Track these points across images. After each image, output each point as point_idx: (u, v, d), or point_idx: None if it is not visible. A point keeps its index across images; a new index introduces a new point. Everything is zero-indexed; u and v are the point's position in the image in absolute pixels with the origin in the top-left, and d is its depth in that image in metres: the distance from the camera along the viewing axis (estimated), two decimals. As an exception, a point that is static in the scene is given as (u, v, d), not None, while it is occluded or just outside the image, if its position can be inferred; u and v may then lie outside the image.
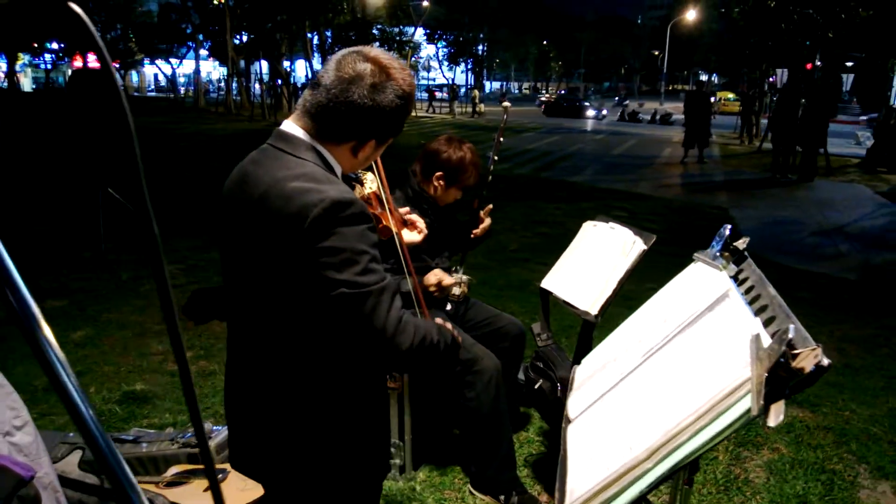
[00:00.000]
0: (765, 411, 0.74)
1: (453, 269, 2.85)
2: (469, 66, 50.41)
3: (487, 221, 2.90)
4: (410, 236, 2.17)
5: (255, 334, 1.47)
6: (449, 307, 2.76)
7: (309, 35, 29.49)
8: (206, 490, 2.43)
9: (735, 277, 1.15)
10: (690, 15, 41.90)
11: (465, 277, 2.76)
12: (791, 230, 8.07)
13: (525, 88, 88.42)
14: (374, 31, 30.26)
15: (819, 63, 27.06)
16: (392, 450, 2.68)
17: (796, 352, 0.76)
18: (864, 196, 10.99)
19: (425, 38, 44.38)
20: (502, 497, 2.55)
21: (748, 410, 0.76)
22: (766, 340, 0.80)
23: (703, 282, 1.15)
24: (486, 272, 5.77)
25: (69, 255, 5.89)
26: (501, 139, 2.83)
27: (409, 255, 2.14)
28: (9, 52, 37.42)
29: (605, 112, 36.68)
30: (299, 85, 30.39)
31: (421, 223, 2.19)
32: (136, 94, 55.36)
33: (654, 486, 0.84)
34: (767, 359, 0.76)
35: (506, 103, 3.23)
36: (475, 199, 2.85)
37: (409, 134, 19.32)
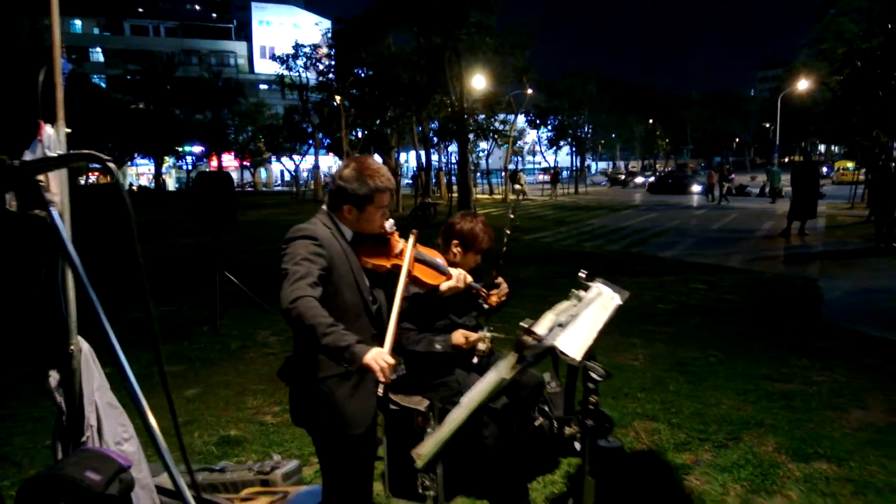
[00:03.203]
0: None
1: (483, 328, 3.34)
2: (573, 149, 51.31)
3: (504, 288, 3.35)
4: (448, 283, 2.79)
5: None
6: (475, 360, 3.24)
7: (417, 129, 31.69)
8: None
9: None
10: (801, 85, 40.81)
11: (489, 334, 3.24)
12: (879, 299, 7.83)
13: (632, 167, 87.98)
14: (478, 121, 31.99)
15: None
16: (427, 482, 3.13)
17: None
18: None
19: (527, 124, 45.83)
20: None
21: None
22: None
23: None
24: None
25: (191, 329, 6.90)
26: (513, 216, 3.36)
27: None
28: (155, 156, 42.73)
29: None
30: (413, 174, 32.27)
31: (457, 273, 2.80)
32: (263, 188, 60.80)
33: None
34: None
35: (517, 186, 3.80)
36: (493, 269, 3.33)
37: (505, 216, 20.00)
